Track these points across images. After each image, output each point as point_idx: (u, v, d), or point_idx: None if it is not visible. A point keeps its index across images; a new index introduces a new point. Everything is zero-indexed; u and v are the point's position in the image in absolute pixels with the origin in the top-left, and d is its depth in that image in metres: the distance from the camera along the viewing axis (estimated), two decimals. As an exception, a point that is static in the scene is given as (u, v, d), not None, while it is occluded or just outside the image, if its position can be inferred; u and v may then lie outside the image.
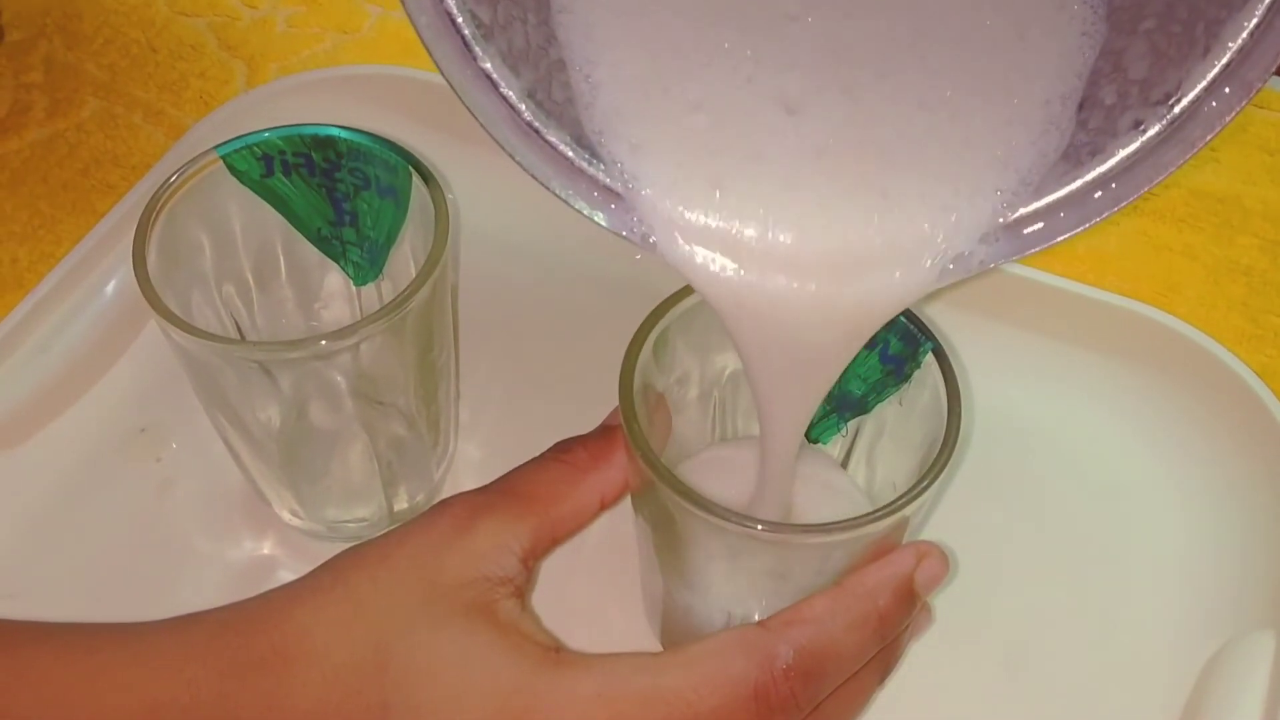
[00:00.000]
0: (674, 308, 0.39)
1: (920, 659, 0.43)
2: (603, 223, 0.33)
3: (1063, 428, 0.50)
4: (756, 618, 0.38)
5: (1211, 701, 0.42)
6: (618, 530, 0.43)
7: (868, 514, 0.34)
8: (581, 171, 0.33)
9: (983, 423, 0.49)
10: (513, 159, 0.32)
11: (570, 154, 0.33)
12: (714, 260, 0.33)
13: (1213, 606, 0.45)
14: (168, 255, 0.40)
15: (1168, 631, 0.45)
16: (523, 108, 0.32)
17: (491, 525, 0.37)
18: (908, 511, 0.35)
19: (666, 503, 0.35)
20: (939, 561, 0.37)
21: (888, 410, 0.40)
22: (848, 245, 0.32)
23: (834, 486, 0.41)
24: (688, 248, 0.33)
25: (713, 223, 0.33)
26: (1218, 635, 0.44)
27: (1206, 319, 0.54)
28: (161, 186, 0.40)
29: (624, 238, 0.33)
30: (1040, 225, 0.32)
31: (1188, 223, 0.58)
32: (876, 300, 0.33)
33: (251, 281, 0.45)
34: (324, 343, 0.38)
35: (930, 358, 0.38)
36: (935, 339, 0.38)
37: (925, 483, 0.35)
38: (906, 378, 0.39)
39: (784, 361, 0.34)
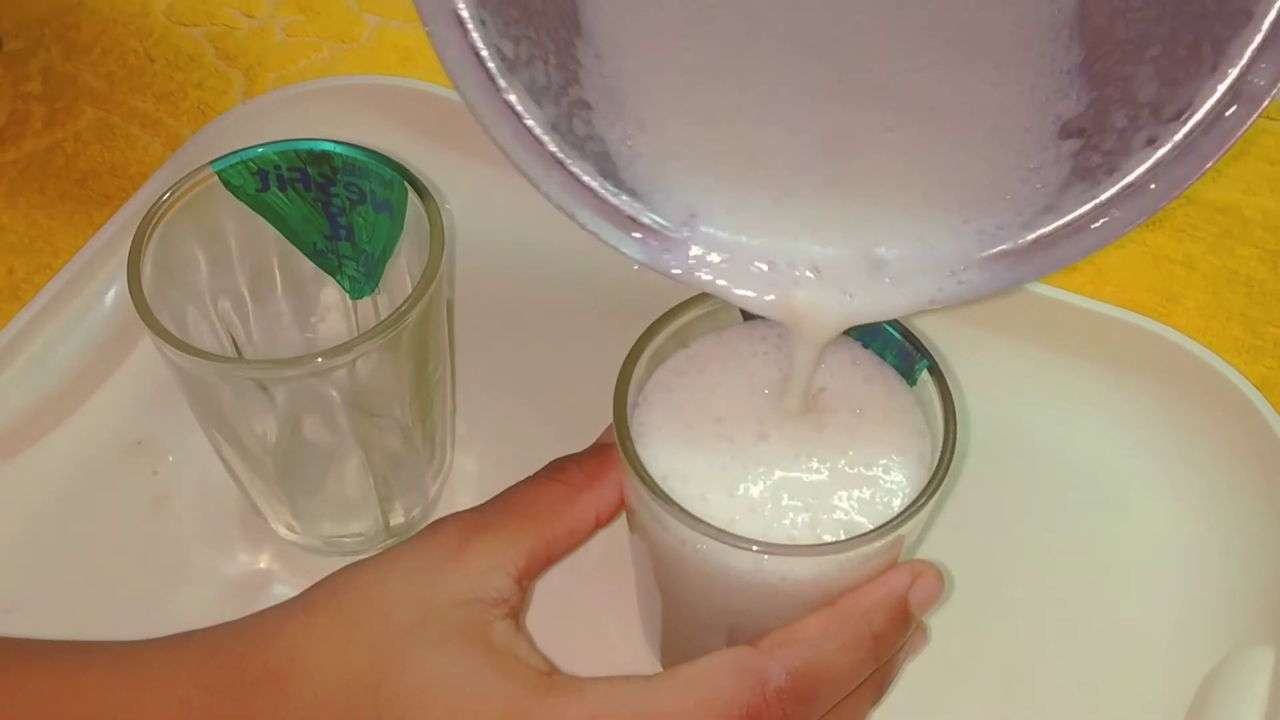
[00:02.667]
0: (669, 325, 0.39)
1: (917, 676, 0.43)
2: (632, 254, 0.34)
3: (1061, 442, 0.50)
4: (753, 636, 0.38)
5: (1211, 716, 0.42)
6: (615, 549, 0.43)
7: (863, 534, 0.34)
8: (606, 202, 0.33)
9: (980, 437, 0.49)
10: (538, 190, 0.33)
11: (595, 185, 0.33)
12: (745, 285, 0.34)
13: (1212, 620, 0.45)
14: (163, 271, 0.40)
15: (1166, 645, 0.45)
16: (547, 140, 0.32)
17: (486, 546, 0.37)
18: (904, 529, 0.35)
19: (661, 519, 0.35)
20: (934, 581, 0.37)
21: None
22: (865, 268, 0.34)
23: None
24: (720, 279, 0.34)
25: (746, 256, 0.34)
26: (1217, 649, 0.44)
27: (1205, 330, 0.54)
28: (156, 203, 0.40)
29: (655, 269, 0.34)
30: (1064, 244, 0.33)
31: (1187, 233, 0.58)
32: (891, 309, 0.35)
33: (247, 296, 0.45)
34: (320, 360, 0.38)
35: (926, 375, 0.38)
36: (931, 356, 0.38)
37: (921, 499, 0.35)
38: (903, 395, 0.39)
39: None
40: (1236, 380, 0.49)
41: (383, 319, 0.39)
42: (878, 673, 0.38)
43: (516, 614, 0.37)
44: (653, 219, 0.34)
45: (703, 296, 0.39)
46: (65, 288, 0.50)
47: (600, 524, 0.39)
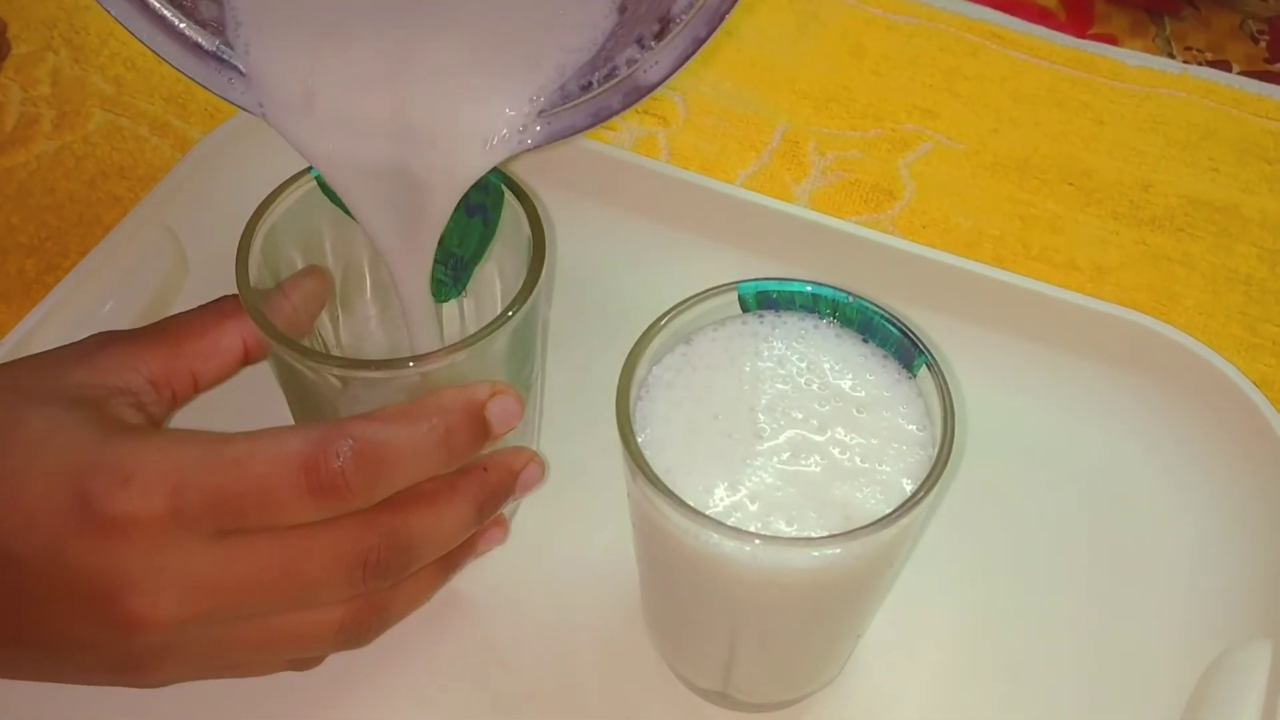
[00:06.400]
0: (669, 322, 0.39)
1: (916, 669, 0.44)
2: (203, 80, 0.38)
3: (1059, 439, 0.50)
4: (756, 629, 0.39)
5: (1208, 711, 0.42)
6: (619, 544, 0.43)
7: (862, 527, 0.34)
8: (177, 31, 0.38)
9: (979, 433, 0.49)
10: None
11: (169, 14, 0.38)
12: (314, 133, 0.39)
13: (1210, 616, 0.45)
14: (263, 274, 0.41)
15: (1164, 641, 0.45)
16: None
17: (120, 348, 0.39)
18: (902, 523, 0.35)
19: (664, 513, 0.35)
20: (513, 401, 0.39)
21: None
22: (419, 120, 0.38)
23: None
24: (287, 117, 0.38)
25: (305, 96, 0.38)
26: (1215, 644, 0.44)
27: (1205, 328, 0.54)
28: (260, 207, 0.41)
29: (229, 101, 0.39)
30: (566, 119, 0.38)
31: (1186, 232, 0.58)
32: (445, 173, 0.39)
33: (338, 299, 0.45)
34: (411, 365, 0.38)
35: (925, 371, 0.38)
36: (931, 353, 0.38)
37: (919, 494, 0.35)
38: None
39: (390, 218, 0.40)
40: (1236, 378, 0.49)
41: (485, 323, 0.39)
42: (450, 555, 0.40)
43: (147, 411, 0.39)
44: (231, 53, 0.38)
45: (702, 294, 0.39)
46: (75, 289, 0.50)
47: (249, 352, 0.41)
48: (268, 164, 0.44)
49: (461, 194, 0.39)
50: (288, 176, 0.42)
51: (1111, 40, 0.70)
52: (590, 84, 0.38)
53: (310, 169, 0.42)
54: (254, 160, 0.53)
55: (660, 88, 0.37)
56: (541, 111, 0.38)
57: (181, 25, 0.38)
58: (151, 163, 0.58)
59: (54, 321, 0.49)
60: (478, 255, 0.44)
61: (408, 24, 0.39)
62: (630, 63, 0.37)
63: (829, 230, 0.54)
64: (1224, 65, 0.69)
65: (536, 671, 0.43)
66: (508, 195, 0.42)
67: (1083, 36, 0.68)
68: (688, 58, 0.36)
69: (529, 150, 0.39)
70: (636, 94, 0.37)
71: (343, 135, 0.38)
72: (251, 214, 0.41)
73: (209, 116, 0.60)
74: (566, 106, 0.38)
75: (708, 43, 0.36)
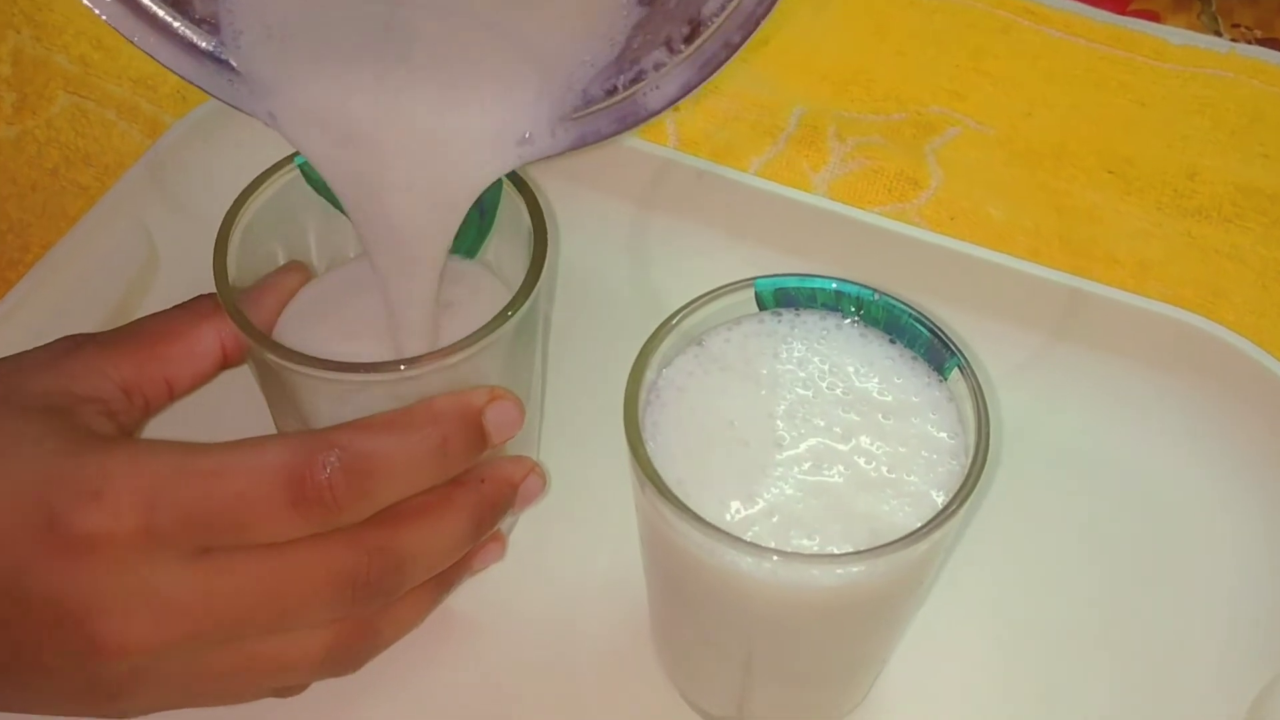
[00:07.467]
0: (680, 321, 0.38)
1: (945, 698, 0.43)
2: (209, 90, 0.38)
3: (1100, 445, 0.49)
4: (774, 652, 0.38)
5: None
6: (625, 561, 0.42)
7: (890, 542, 0.33)
8: (178, 36, 0.38)
9: (1015, 439, 0.49)
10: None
11: (162, 13, 0.38)
12: (319, 136, 0.38)
13: (1265, 635, 0.44)
14: (244, 269, 0.40)
15: (1217, 661, 0.44)
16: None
17: (89, 352, 0.39)
18: (934, 537, 0.34)
19: (675, 526, 0.33)
20: (513, 407, 0.39)
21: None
22: (428, 130, 0.38)
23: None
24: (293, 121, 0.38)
25: (316, 102, 0.38)
26: (1270, 666, 0.43)
27: (1255, 327, 0.53)
28: (240, 197, 0.41)
29: (230, 105, 0.39)
30: (590, 123, 0.38)
31: (1235, 223, 0.57)
32: (455, 179, 0.39)
33: None
34: (403, 368, 0.38)
35: (958, 373, 0.37)
36: (963, 353, 0.37)
37: (952, 506, 0.34)
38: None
39: (391, 236, 0.39)
40: (1290, 380, 0.49)
41: (483, 324, 0.39)
42: (444, 574, 0.40)
43: (118, 418, 0.38)
44: (235, 57, 0.38)
45: (716, 292, 0.39)
46: (38, 285, 0.49)
47: (228, 355, 0.40)
48: (245, 151, 0.44)
49: (471, 204, 0.39)
50: (266, 164, 0.41)
51: (1153, 17, 0.70)
52: (615, 88, 0.37)
53: (294, 156, 0.41)
54: (230, 147, 0.53)
55: (691, 95, 0.36)
56: (562, 118, 0.38)
57: (177, 25, 0.38)
58: (120, 149, 0.58)
59: (15, 321, 0.49)
60: (473, 250, 0.44)
61: (412, 33, 0.38)
62: (658, 66, 0.36)
63: (850, 222, 0.53)
64: (1274, 43, 0.69)
65: (536, 698, 0.43)
66: (506, 186, 0.42)
67: (1122, 12, 0.68)
68: (719, 65, 0.35)
69: (549, 158, 0.38)
70: (660, 106, 0.37)
71: (347, 142, 0.38)
72: (230, 205, 0.40)
73: (181, 100, 0.60)
74: (590, 111, 0.38)
75: (740, 50, 0.35)
